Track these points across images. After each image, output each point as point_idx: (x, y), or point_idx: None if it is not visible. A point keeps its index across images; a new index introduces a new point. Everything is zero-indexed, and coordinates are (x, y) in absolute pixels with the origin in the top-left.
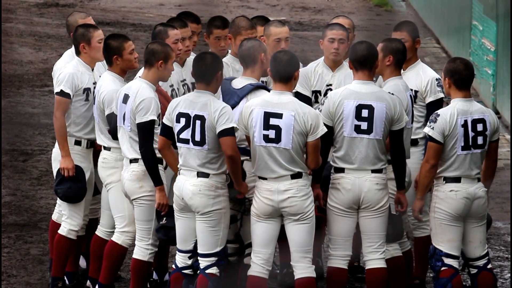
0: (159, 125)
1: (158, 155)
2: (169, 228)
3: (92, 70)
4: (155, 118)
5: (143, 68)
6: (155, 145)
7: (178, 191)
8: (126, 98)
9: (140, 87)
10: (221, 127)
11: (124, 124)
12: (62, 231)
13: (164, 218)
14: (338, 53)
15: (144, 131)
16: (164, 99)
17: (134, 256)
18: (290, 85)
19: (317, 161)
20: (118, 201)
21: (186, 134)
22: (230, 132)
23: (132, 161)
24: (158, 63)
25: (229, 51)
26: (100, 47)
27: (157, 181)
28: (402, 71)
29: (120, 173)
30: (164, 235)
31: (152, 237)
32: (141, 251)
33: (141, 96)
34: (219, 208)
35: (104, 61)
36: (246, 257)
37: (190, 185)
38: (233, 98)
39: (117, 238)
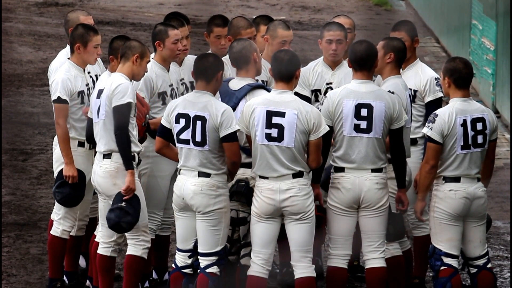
0: (134, 115)
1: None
2: (126, 213)
3: (84, 71)
4: (132, 101)
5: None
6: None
7: (178, 190)
8: (99, 92)
9: (114, 78)
10: (225, 131)
11: (98, 116)
12: (55, 232)
13: (124, 202)
14: (337, 54)
15: (120, 113)
16: (139, 103)
17: (128, 252)
18: (291, 84)
19: (319, 160)
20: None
21: (186, 135)
22: (234, 137)
23: (105, 156)
24: (134, 57)
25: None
26: (94, 52)
27: (129, 164)
28: (401, 70)
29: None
30: (116, 217)
31: (141, 233)
32: (134, 248)
33: (117, 82)
34: (220, 207)
35: (98, 61)
36: (243, 258)
37: (191, 184)
38: (232, 99)
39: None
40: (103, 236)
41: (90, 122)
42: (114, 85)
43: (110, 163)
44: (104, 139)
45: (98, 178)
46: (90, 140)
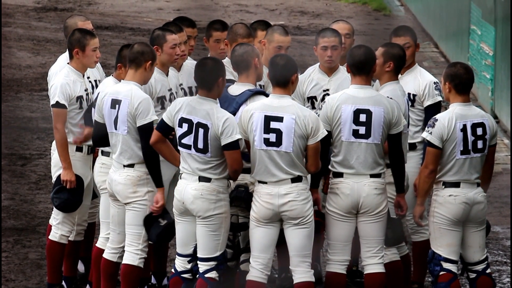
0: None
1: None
2: (171, 224)
3: (83, 76)
4: (156, 117)
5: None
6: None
7: (179, 195)
8: (115, 103)
9: (132, 90)
10: (227, 140)
11: (117, 129)
12: (53, 236)
13: (160, 219)
14: (332, 60)
15: (148, 132)
16: None
17: (124, 261)
18: (288, 89)
19: (317, 165)
20: (109, 208)
21: (188, 140)
22: (235, 145)
23: (127, 166)
24: (147, 63)
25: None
26: (93, 55)
27: (159, 182)
28: (399, 75)
29: None
30: (168, 234)
31: (142, 242)
32: (131, 256)
33: (137, 98)
34: (220, 212)
35: (97, 66)
36: (243, 263)
37: (191, 189)
38: (232, 105)
39: (102, 244)
40: (112, 242)
41: (98, 126)
42: (135, 102)
43: (133, 172)
44: (127, 154)
45: (117, 186)
46: (99, 144)
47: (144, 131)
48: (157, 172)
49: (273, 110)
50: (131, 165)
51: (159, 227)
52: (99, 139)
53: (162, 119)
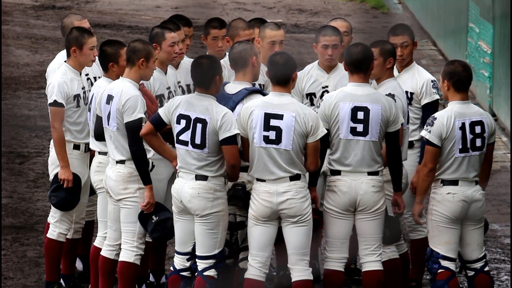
0: (145, 122)
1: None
2: (164, 221)
3: (80, 74)
4: (143, 115)
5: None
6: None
7: (176, 193)
8: (109, 98)
9: (124, 86)
10: (225, 134)
11: (109, 124)
12: (51, 235)
13: (153, 216)
14: (333, 59)
15: (134, 129)
16: (149, 101)
17: (120, 258)
18: (288, 87)
19: (317, 163)
20: (107, 207)
21: (185, 136)
22: (233, 140)
23: (118, 162)
24: (140, 61)
25: (227, 53)
26: (90, 54)
27: (146, 180)
28: (397, 73)
29: None
30: (162, 231)
31: (137, 239)
32: (127, 253)
33: (126, 95)
34: (218, 210)
35: (98, 63)
36: (242, 261)
37: (188, 188)
38: (228, 103)
39: (100, 243)
40: (109, 239)
41: (99, 120)
42: (124, 98)
43: (124, 168)
44: (119, 150)
45: (110, 182)
46: (101, 138)
47: (130, 128)
48: (144, 169)
49: (273, 107)
50: (122, 161)
51: (152, 224)
52: (100, 134)
53: (157, 113)
